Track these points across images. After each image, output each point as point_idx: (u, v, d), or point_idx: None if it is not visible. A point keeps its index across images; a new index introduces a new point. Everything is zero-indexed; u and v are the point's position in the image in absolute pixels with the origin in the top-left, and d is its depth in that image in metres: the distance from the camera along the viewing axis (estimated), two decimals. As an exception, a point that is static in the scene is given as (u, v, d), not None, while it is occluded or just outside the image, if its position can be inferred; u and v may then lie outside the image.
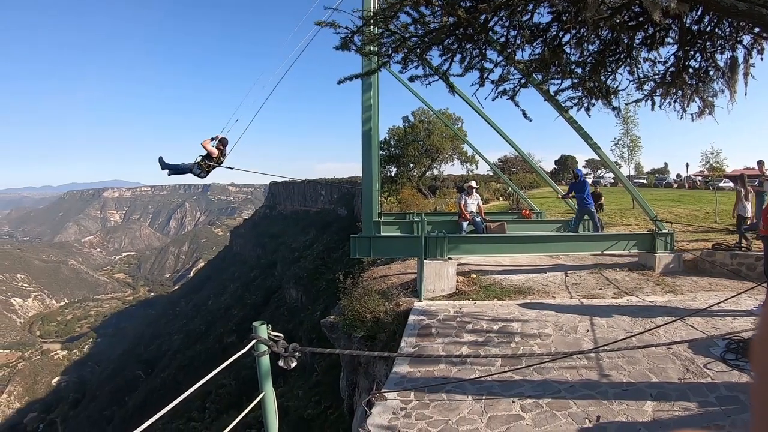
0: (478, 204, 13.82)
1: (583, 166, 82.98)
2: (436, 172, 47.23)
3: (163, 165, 9.91)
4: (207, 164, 9.77)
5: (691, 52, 5.31)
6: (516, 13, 4.79)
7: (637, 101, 6.03)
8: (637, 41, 5.23)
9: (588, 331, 7.30)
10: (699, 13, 4.96)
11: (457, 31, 4.99)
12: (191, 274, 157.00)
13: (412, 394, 5.59)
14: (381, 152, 36.65)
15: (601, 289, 9.84)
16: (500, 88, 5.86)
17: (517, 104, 6.12)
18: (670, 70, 5.48)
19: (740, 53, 5.25)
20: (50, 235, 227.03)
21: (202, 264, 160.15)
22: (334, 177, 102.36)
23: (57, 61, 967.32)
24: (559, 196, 16.49)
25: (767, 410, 0.60)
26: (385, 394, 5.62)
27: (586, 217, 13.78)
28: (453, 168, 50.30)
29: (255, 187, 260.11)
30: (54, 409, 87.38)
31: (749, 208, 11.68)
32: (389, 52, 5.42)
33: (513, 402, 5.20)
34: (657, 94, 5.72)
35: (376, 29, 5.39)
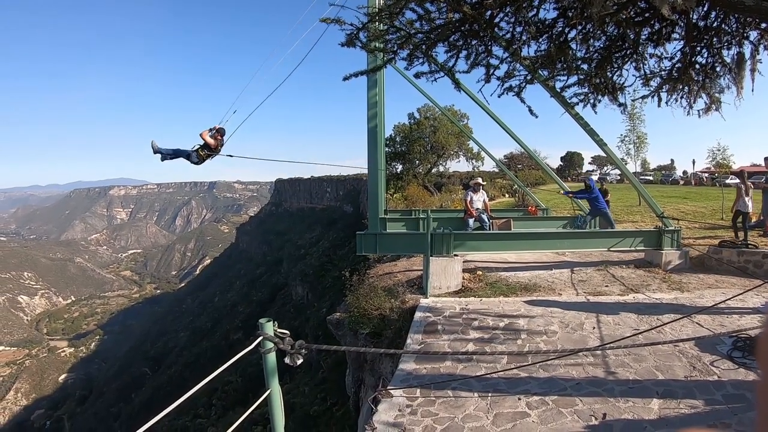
0: (484, 201, 13.81)
1: (590, 163, 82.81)
2: (441, 168, 47.28)
3: (156, 149, 9.86)
4: (205, 153, 9.79)
5: (698, 48, 5.28)
6: (522, 9, 4.77)
7: (643, 97, 5.99)
8: (643, 37, 5.20)
9: (594, 328, 7.29)
10: (705, 9, 4.93)
11: (462, 28, 4.97)
12: (197, 272, 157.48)
13: (418, 391, 5.59)
14: (387, 149, 36.63)
15: (607, 286, 9.82)
16: (506, 85, 5.84)
17: (523, 100, 6.10)
18: (676, 66, 5.44)
19: (747, 49, 5.21)
20: (57, 233, 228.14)
21: (208, 261, 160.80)
22: (339, 174, 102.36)
23: (62, 60, 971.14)
24: (561, 192, 16.43)
25: None
26: (391, 391, 5.62)
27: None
28: (459, 165, 50.46)
29: (261, 184, 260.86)
30: (61, 406, 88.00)
31: (749, 204, 11.60)
32: (395, 49, 5.40)
33: (519, 399, 5.20)
34: (663, 90, 5.69)
35: (381, 26, 5.38)
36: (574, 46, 5.17)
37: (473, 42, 5.23)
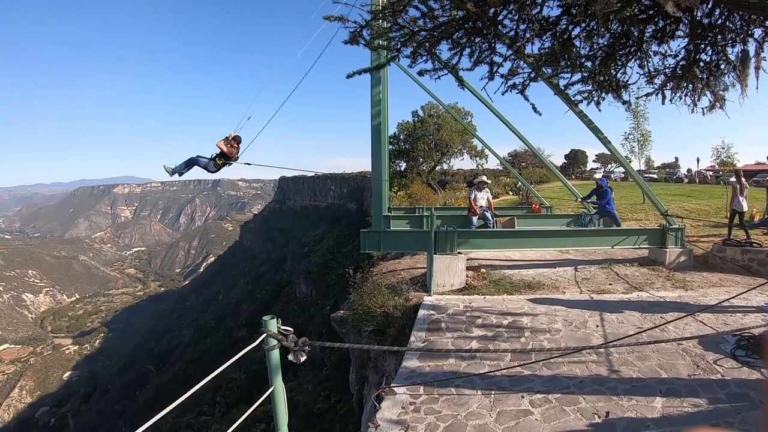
0: (487, 198, 13.80)
1: (594, 161, 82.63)
2: (445, 166, 47.16)
3: (171, 171, 9.91)
4: (223, 162, 9.85)
5: (702, 46, 5.26)
6: (525, 6, 4.76)
7: (647, 95, 5.97)
8: (647, 34, 5.18)
9: (598, 326, 7.28)
10: (710, 6, 4.91)
11: (466, 25, 4.97)
12: (201, 269, 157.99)
13: (422, 388, 5.60)
14: (390, 147, 36.62)
15: (611, 284, 9.81)
16: (510, 82, 5.82)
17: (526, 98, 6.08)
18: (680, 63, 5.43)
19: (751, 47, 5.19)
20: (61, 231, 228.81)
21: (212, 259, 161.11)
22: (343, 172, 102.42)
23: (65, 58, 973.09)
24: (579, 199, 16.36)
25: None
26: (395, 389, 5.63)
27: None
28: (462, 162, 50.33)
29: (264, 182, 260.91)
30: (65, 403, 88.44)
31: (744, 204, 11.56)
32: (398, 47, 5.39)
33: (522, 397, 5.21)
34: (667, 87, 5.67)
35: (384, 23, 5.38)
36: (577, 43, 5.15)
37: (477, 39, 5.22)
